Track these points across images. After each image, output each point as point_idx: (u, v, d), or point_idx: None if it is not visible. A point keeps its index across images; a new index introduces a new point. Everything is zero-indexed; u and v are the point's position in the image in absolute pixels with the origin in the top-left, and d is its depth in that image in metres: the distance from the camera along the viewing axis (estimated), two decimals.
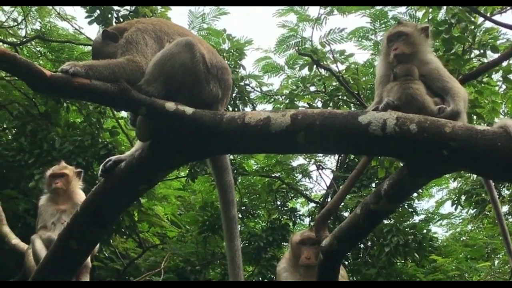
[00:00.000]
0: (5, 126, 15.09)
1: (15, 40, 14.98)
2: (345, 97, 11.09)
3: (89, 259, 7.05)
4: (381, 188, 4.61)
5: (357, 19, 14.31)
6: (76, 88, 4.37)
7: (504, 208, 14.41)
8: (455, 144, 3.99)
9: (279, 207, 15.52)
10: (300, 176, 16.23)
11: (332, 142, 4.35)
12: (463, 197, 14.99)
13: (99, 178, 5.07)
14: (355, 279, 14.12)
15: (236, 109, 13.30)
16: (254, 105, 14.37)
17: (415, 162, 4.38)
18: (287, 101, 10.13)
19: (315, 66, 10.24)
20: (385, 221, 13.41)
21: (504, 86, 10.06)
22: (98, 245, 6.83)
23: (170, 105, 4.54)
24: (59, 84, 4.33)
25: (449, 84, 4.80)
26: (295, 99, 10.31)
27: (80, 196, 7.65)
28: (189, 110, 4.54)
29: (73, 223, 5.18)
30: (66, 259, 5.26)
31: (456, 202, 15.32)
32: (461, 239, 16.25)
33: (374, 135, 4.15)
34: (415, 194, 15.04)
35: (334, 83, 11.66)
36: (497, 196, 5.46)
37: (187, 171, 13.98)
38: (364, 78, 12.08)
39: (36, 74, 4.26)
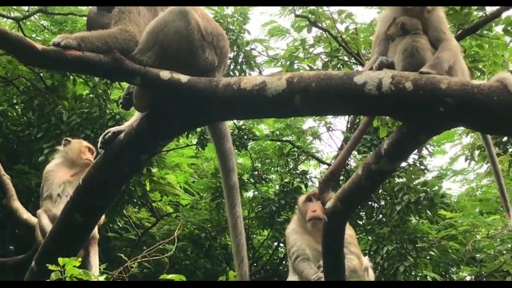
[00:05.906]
0: (14, 101, 15.09)
1: (18, 14, 14.93)
2: (345, 58, 10.99)
3: (96, 230, 7.07)
4: (381, 148, 4.52)
5: None
6: (69, 61, 4.36)
7: None
8: (451, 100, 3.92)
9: (291, 170, 15.47)
10: (310, 138, 16.16)
11: (329, 104, 4.32)
12: (476, 152, 14.81)
13: (99, 150, 5.09)
14: (370, 238, 14.11)
15: (243, 74, 13.22)
16: (261, 69, 14.26)
17: (413, 120, 4.32)
18: (287, 63, 10.07)
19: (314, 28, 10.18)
20: (397, 180, 13.37)
21: (508, 38, 9.88)
22: (103, 216, 6.82)
23: (165, 74, 4.53)
24: (51, 57, 4.32)
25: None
26: (296, 61, 10.24)
27: None
28: (184, 78, 4.52)
29: (77, 196, 5.23)
30: (71, 232, 5.31)
31: (469, 157, 15.16)
32: (476, 193, 16.14)
33: (370, 94, 4.10)
34: (426, 152, 14.92)
35: (334, 44, 11.54)
36: (495, 152, 5.39)
37: (197, 139, 13.96)
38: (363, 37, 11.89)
39: (27, 48, 4.26)
